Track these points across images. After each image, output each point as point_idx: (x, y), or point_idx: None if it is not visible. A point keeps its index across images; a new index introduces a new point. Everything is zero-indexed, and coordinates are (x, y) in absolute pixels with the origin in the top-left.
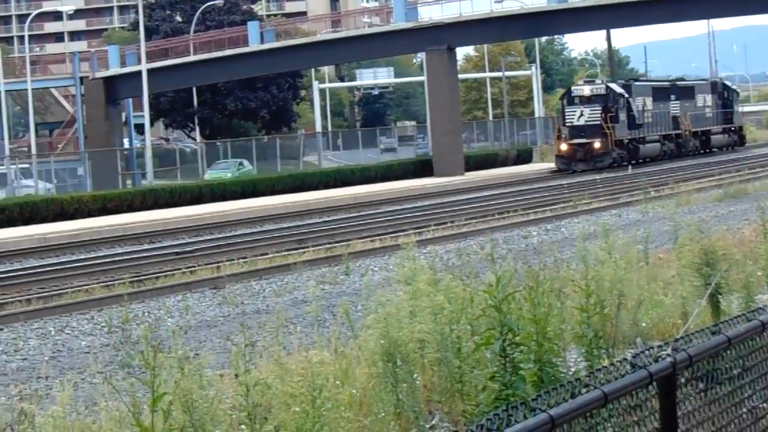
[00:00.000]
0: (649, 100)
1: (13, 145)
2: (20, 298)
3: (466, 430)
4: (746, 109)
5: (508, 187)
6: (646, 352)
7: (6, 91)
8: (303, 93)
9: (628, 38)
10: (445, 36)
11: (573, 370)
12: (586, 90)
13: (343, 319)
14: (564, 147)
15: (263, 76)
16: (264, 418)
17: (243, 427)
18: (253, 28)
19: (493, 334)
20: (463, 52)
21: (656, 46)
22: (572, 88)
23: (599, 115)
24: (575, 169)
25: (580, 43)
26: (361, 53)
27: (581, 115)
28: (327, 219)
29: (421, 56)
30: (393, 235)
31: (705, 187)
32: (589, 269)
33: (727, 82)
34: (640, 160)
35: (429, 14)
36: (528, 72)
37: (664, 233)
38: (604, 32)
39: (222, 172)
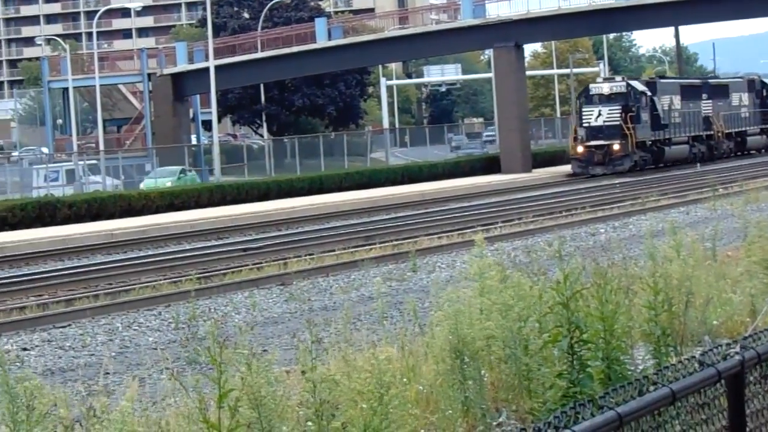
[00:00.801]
0: (676, 99)
1: (81, 142)
2: (88, 294)
3: (534, 427)
4: None
5: (575, 183)
6: (715, 350)
7: (74, 87)
8: (370, 90)
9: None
10: (512, 33)
11: (641, 367)
12: (605, 88)
13: (410, 315)
14: (580, 149)
15: (330, 72)
16: (331, 415)
17: (310, 423)
18: (320, 24)
19: (560, 331)
20: (530, 48)
21: (725, 43)
22: (590, 86)
23: (619, 115)
24: (592, 173)
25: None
26: (428, 50)
27: (599, 114)
28: (394, 216)
29: (488, 53)
30: (460, 232)
31: (756, 184)
32: (657, 267)
33: (766, 80)
34: (666, 164)
35: (497, 11)
36: (596, 69)
37: (733, 231)
38: (672, 29)
39: (161, 180)
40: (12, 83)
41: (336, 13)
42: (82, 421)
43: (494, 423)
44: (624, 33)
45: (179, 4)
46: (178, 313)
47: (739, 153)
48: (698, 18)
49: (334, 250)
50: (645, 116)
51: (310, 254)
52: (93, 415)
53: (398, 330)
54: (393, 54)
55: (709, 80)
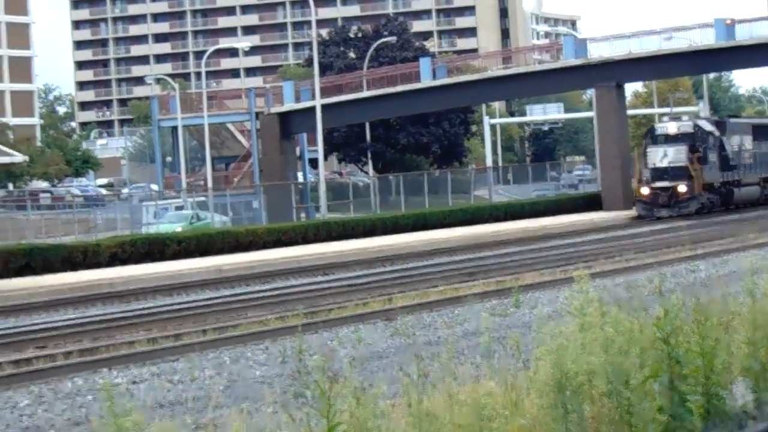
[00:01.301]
0: (747, 139)
1: (190, 179)
2: (196, 329)
3: None
4: None
5: (676, 221)
6: None
7: (183, 126)
8: (474, 128)
9: None
10: (614, 72)
11: (740, 402)
12: (672, 128)
13: (513, 350)
14: (645, 191)
15: (435, 111)
16: None
17: None
18: (425, 64)
19: (661, 366)
20: (631, 88)
21: None
22: (655, 125)
23: (685, 156)
24: (658, 215)
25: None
26: (531, 89)
27: (665, 155)
28: (497, 252)
29: (590, 92)
30: (563, 268)
31: None
32: (757, 303)
33: None
34: (736, 205)
35: (598, 51)
36: (696, 108)
37: None
38: None
39: (171, 225)
40: (122, 122)
41: (440, 53)
42: None
43: None
44: (724, 73)
45: (286, 45)
46: (284, 347)
47: None
48: None
49: (437, 286)
50: (713, 157)
51: (414, 290)
52: None
53: (501, 364)
54: (496, 93)
55: None
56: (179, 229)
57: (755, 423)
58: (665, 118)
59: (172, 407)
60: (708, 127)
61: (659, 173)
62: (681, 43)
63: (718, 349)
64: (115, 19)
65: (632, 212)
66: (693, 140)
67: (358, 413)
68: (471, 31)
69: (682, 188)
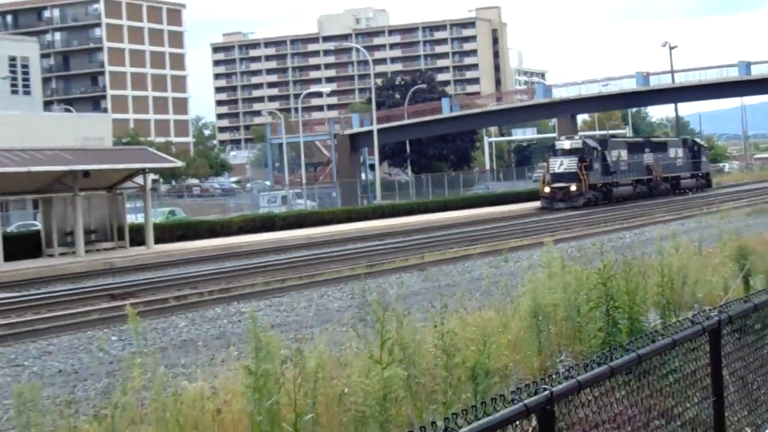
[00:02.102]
0: (624, 152)
1: (290, 177)
2: (295, 276)
3: (584, 362)
4: (759, 156)
5: (570, 211)
6: (701, 313)
7: (287, 143)
8: (477, 144)
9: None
10: (569, 107)
11: (652, 324)
12: (566, 144)
13: (504, 290)
14: (547, 189)
15: (451, 133)
16: (453, 354)
17: (439, 360)
18: (445, 102)
19: (600, 300)
20: (581, 118)
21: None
22: (556, 142)
23: (576, 164)
24: (556, 207)
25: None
26: (514, 119)
27: (561, 164)
28: (492, 226)
29: (554, 120)
30: (535, 236)
31: (739, 206)
32: (663, 259)
33: (697, 139)
34: (615, 199)
35: (559, 93)
36: (623, 131)
37: (713, 236)
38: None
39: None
40: (246, 140)
41: (455, 95)
42: (291, 358)
43: (557, 360)
44: (642, 108)
45: (354, 89)
46: (353, 288)
47: (674, 192)
48: (688, 98)
49: (453, 248)
50: (597, 165)
51: (438, 250)
52: (299, 354)
53: (496, 300)
54: (492, 121)
55: (652, 138)
56: (159, 219)
57: (663, 338)
58: (562, 137)
59: (280, 327)
60: (593, 143)
61: (557, 177)
62: (613, 87)
63: (638, 289)
64: (242, 73)
65: (538, 204)
66: (582, 153)
67: (400, 331)
68: (476, 80)
69: (573, 188)
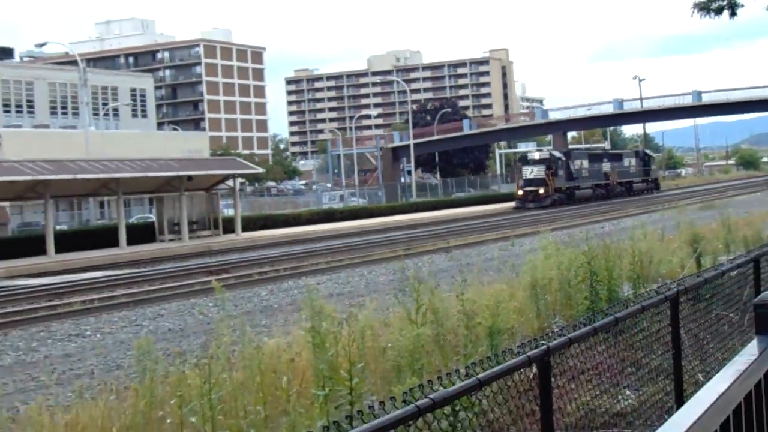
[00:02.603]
0: (585, 162)
1: (346, 181)
2: (350, 257)
3: (575, 322)
4: (708, 164)
5: (540, 210)
6: (663, 285)
7: (344, 154)
8: (491, 154)
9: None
10: (561, 126)
11: (626, 294)
12: (536, 155)
13: (511, 268)
14: (520, 192)
15: (471, 146)
16: (472, 317)
17: (461, 321)
18: (465, 122)
19: (586, 276)
20: (571, 134)
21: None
22: (528, 154)
23: (543, 172)
24: (527, 207)
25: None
26: (519, 135)
27: (532, 171)
28: (502, 218)
29: (550, 137)
30: (536, 226)
31: (692, 203)
32: (634, 243)
33: (648, 151)
34: (578, 200)
35: (554, 115)
36: (603, 144)
37: (672, 225)
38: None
39: (140, 219)
40: (312, 152)
41: (474, 116)
42: (346, 320)
43: (553, 322)
44: (618, 127)
45: (395, 113)
46: (394, 266)
47: (629, 194)
48: (653, 119)
49: (473, 234)
50: (561, 172)
51: (460, 236)
52: (353, 316)
53: (505, 275)
54: (501, 137)
55: (609, 150)
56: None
57: (634, 304)
58: (533, 150)
59: (339, 296)
60: (558, 154)
61: (528, 182)
62: (595, 111)
63: (614, 267)
64: (309, 100)
65: (513, 204)
66: (549, 162)
67: (431, 299)
68: (489, 105)
69: (541, 191)
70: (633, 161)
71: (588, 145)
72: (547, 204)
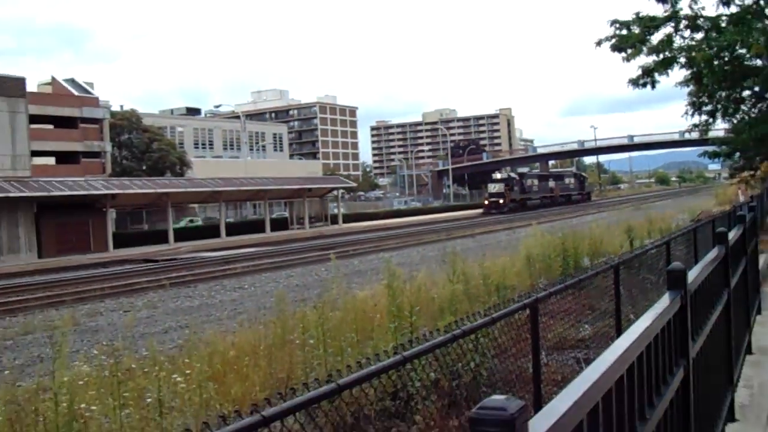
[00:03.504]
0: (536, 180)
1: (409, 191)
2: (410, 239)
3: (553, 281)
4: (638, 181)
5: (501, 215)
6: (608, 259)
7: (407, 174)
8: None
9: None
10: (545, 157)
11: (586, 264)
12: (498, 176)
13: (513, 247)
14: (486, 202)
15: (487, 169)
16: (488, 277)
17: (481, 280)
18: (484, 154)
19: (559, 251)
20: (551, 162)
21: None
22: (492, 175)
23: (503, 188)
24: (491, 212)
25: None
26: (518, 163)
27: (495, 187)
28: (504, 216)
29: (538, 164)
30: (530, 221)
31: (625, 206)
32: (591, 231)
33: (583, 174)
34: (530, 208)
35: (541, 150)
36: (572, 168)
37: (615, 220)
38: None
39: (182, 224)
40: (387, 173)
41: (489, 150)
42: (409, 279)
43: (539, 281)
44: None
45: (439, 149)
46: (438, 246)
47: (568, 203)
48: (603, 153)
49: (488, 225)
50: (516, 188)
51: (480, 227)
52: (413, 277)
53: (509, 252)
54: (507, 164)
55: (554, 172)
56: (182, 224)
57: (591, 271)
58: (497, 172)
59: (403, 264)
60: (514, 176)
61: (492, 195)
62: (567, 147)
63: (579, 246)
64: (385, 140)
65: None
66: (507, 181)
67: (463, 266)
68: (499, 143)
69: (501, 201)
70: (572, 180)
71: (542, 170)
72: (505, 211)
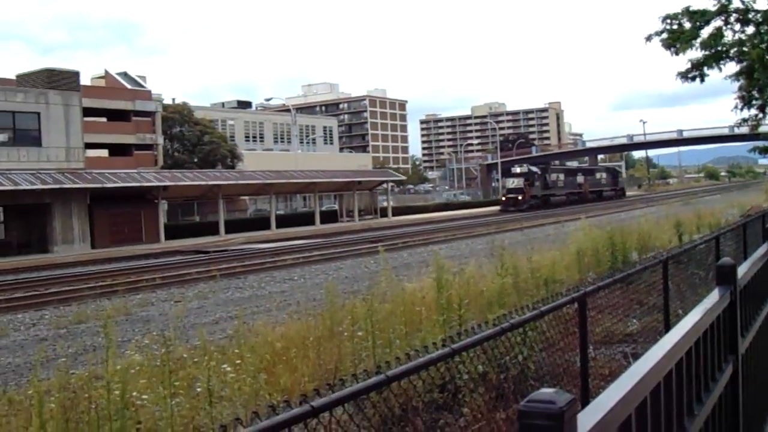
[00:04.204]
0: (561, 175)
1: (458, 185)
2: (459, 232)
3: (602, 276)
4: (687, 176)
5: (520, 213)
6: (658, 254)
7: (456, 168)
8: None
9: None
10: (594, 152)
11: (634, 258)
12: (517, 170)
13: (562, 241)
14: (504, 198)
15: (536, 163)
16: (537, 271)
17: (529, 274)
18: (533, 148)
19: (608, 245)
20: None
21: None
22: (511, 168)
23: (522, 183)
24: (509, 210)
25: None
26: (567, 157)
27: (513, 182)
28: (551, 210)
29: (586, 158)
30: (579, 215)
31: (674, 201)
32: (640, 226)
33: (617, 168)
34: (554, 205)
35: (589, 144)
36: (621, 162)
37: (663, 215)
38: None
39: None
40: (436, 166)
41: (538, 144)
42: (458, 272)
43: (588, 275)
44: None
45: (488, 142)
46: (488, 239)
47: (600, 200)
48: (652, 147)
49: (537, 219)
50: (537, 183)
51: (529, 220)
52: (461, 270)
53: (559, 245)
54: (556, 158)
55: (583, 166)
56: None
57: (640, 265)
58: (515, 166)
59: (452, 257)
60: (535, 170)
61: (511, 191)
62: (616, 142)
63: (627, 240)
64: (434, 133)
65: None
66: (527, 176)
67: (511, 260)
68: (548, 138)
69: (520, 197)
70: (604, 175)
71: (582, 164)
72: (524, 208)
